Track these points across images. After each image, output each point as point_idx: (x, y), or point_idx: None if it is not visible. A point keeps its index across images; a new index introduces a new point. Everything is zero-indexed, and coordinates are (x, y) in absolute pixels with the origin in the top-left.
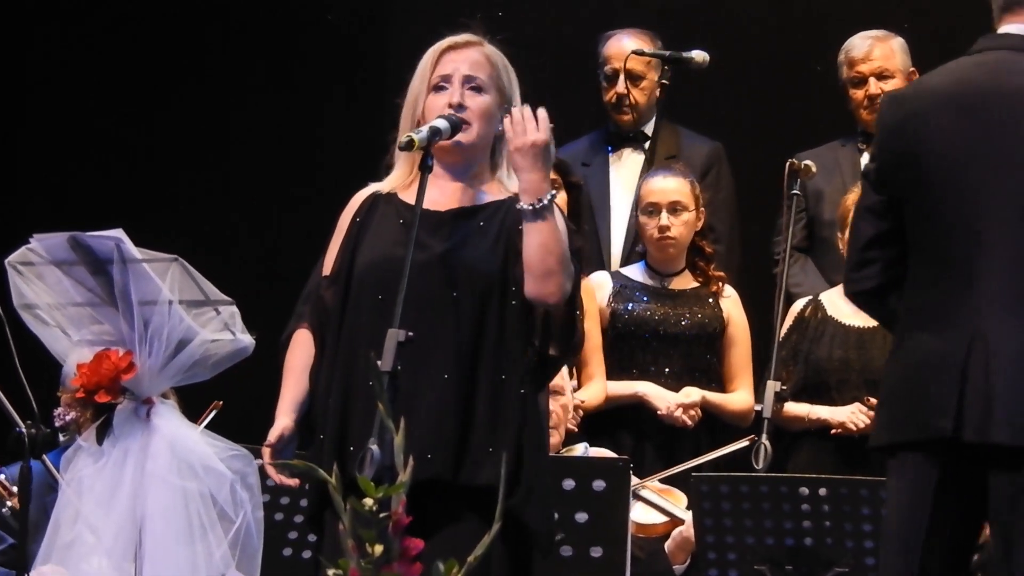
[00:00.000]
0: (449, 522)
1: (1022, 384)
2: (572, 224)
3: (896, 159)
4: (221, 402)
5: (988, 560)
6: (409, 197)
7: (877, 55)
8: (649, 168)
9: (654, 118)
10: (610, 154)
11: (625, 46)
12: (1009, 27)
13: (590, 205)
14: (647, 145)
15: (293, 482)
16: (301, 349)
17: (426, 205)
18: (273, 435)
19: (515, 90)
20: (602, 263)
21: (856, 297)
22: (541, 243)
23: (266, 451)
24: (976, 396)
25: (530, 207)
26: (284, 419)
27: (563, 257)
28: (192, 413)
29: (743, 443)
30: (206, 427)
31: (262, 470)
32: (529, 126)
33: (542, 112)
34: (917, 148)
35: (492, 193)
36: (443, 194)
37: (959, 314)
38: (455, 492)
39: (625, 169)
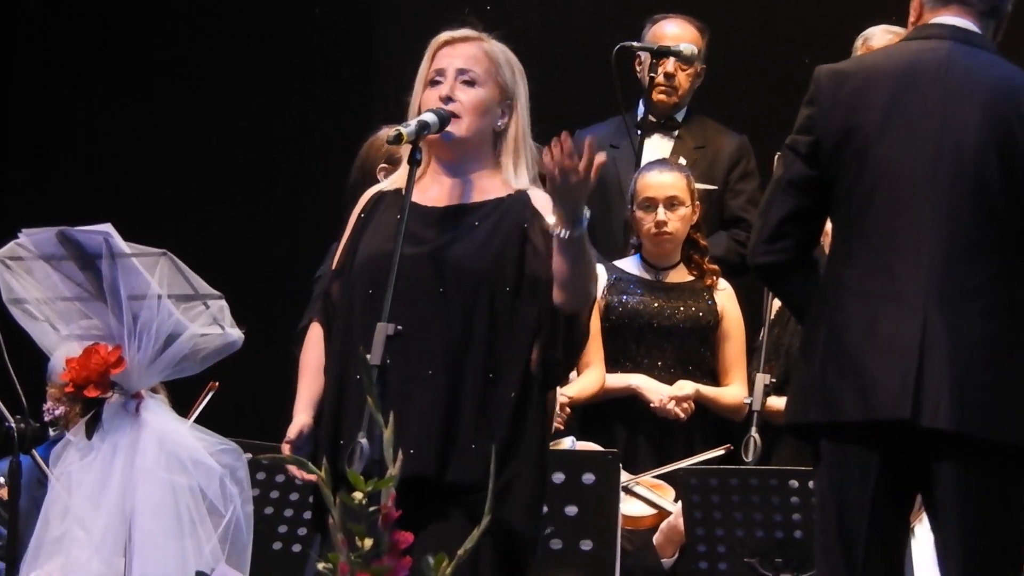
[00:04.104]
0: (436, 519)
1: (976, 372)
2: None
3: (837, 135)
4: (217, 383)
5: None
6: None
7: None
8: (678, 155)
9: (686, 107)
10: (639, 137)
11: (674, 31)
12: (944, 18)
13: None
14: (676, 133)
15: (311, 477)
16: (314, 345)
17: (423, 201)
18: (292, 432)
19: (520, 86)
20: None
21: (761, 270)
22: (573, 267)
23: (285, 447)
24: (934, 382)
25: (565, 235)
26: (302, 416)
27: (593, 275)
28: (186, 400)
29: (719, 451)
30: (203, 409)
31: (252, 464)
32: (577, 163)
33: (589, 143)
34: (859, 125)
35: (493, 190)
36: (441, 190)
37: (905, 299)
38: (442, 490)
39: (655, 153)
